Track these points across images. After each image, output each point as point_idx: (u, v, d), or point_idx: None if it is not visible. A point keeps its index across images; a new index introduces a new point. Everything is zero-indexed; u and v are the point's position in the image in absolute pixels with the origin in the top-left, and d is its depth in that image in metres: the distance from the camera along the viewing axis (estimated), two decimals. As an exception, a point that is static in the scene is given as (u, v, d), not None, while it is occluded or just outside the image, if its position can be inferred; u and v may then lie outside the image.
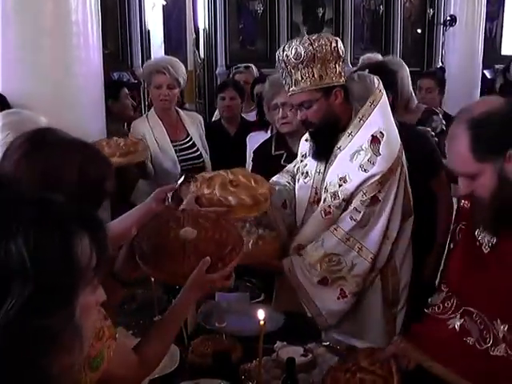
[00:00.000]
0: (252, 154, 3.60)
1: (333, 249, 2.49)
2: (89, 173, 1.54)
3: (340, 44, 2.50)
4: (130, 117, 4.65)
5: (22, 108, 2.63)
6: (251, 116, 4.62)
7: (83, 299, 0.98)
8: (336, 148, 2.55)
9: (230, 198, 2.27)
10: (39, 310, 0.91)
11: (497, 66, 10.51)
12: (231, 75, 5.46)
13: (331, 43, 2.45)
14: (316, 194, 2.65)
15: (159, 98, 3.85)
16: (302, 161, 2.75)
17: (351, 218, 2.49)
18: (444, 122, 4.09)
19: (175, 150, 3.84)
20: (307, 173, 2.68)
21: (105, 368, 1.47)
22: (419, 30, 10.65)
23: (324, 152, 2.61)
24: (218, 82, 8.94)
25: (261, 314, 1.83)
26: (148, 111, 4.19)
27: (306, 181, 2.69)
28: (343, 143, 2.53)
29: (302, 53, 2.41)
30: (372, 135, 2.48)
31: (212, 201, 2.20)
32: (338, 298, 2.51)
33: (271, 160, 3.25)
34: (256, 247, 2.51)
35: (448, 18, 8.92)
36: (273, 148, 3.36)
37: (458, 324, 2.00)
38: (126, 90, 4.72)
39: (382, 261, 2.57)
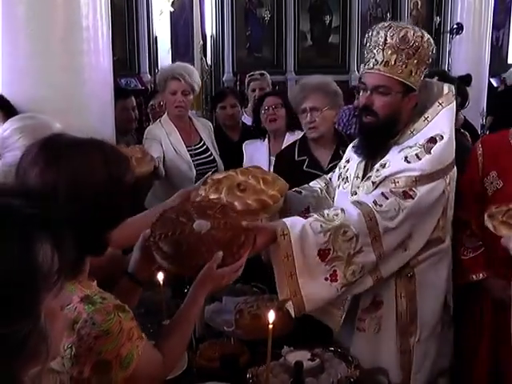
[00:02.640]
0: (274, 160, 3.62)
1: (352, 222, 2.20)
2: (113, 168, 1.55)
3: None
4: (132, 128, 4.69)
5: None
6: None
7: (47, 304, 0.97)
8: (392, 141, 2.41)
9: (236, 203, 2.25)
10: (3, 317, 0.90)
11: (503, 75, 10.52)
12: (246, 83, 5.46)
13: (433, 49, 2.38)
14: None
15: (174, 104, 3.88)
16: (345, 166, 2.62)
17: (375, 202, 2.27)
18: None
19: (190, 155, 3.88)
20: (347, 178, 2.55)
21: (134, 367, 1.50)
22: (426, 38, 10.67)
23: (366, 149, 2.48)
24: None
25: (271, 316, 1.83)
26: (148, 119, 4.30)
27: (345, 186, 2.56)
28: (402, 140, 2.39)
29: (411, 39, 2.29)
30: (431, 137, 2.33)
31: None
32: (326, 279, 2.20)
33: (294, 165, 3.25)
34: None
35: (455, 26, 8.92)
36: (296, 153, 3.35)
37: None
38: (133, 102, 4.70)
39: (388, 272, 2.34)
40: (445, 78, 3.59)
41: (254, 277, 3.00)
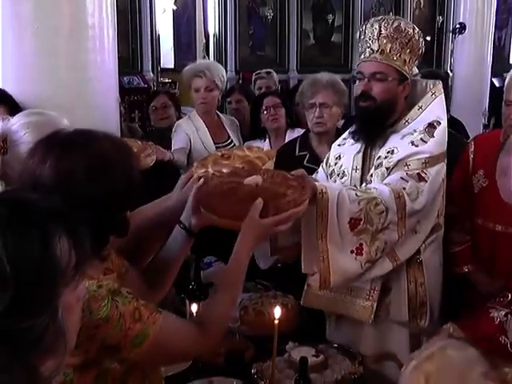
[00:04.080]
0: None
1: (384, 197, 2.25)
2: (123, 151, 1.58)
3: None
4: None
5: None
6: None
7: (65, 298, 0.98)
8: (389, 131, 2.49)
9: (225, 170, 2.21)
10: (21, 312, 0.91)
11: (505, 75, 10.50)
12: (252, 80, 5.50)
13: (423, 43, 2.50)
14: None
15: (198, 101, 4.02)
16: (336, 163, 2.67)
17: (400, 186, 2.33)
18: None
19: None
20: (343, 172, 2.59)
21: (151, 342, 1.47)
22: (428, 38, 10.63)
23: (364, 135, 2.55)
24: (228, 87, 9.01)
25: (277, 311, 1.85)
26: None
27: (343, 180, 2.59)
28: (398, 128, 2.49)
29: (403, 30, 2.42)
30: (429, 123, 2.44)
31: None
32: (352, 252, 2.23)
33: (294, 160, 3.29)
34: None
35: (457, 26, 8.90)
36: (297, 149, 3.43)
37: (499, 318, 2.02)
38: None
39: (405, 255, 2.39)
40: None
41: (257, 274, 3.03)
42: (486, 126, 7.10)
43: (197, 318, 1.70)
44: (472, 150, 2.88)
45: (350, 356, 2.37)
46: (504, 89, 2.86)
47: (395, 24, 2.42)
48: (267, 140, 4.00)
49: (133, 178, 1.58)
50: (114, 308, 1.44)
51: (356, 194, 2.22)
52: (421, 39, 2.49)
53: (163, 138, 4.06)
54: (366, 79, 2.46)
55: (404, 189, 2.29)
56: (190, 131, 3.95)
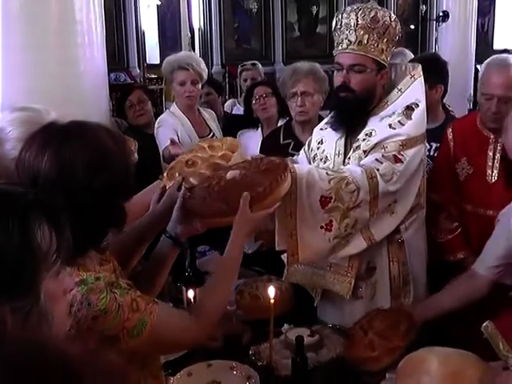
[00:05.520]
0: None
1: (355, 176, 2.29)
2: (119, 141, 1.60)
3: None
4: None
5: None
6: None
7: (48, 284, 1.01)
8: (369, 114, 2.53)
9: (191, 179, 2.21)
10: (5, 294, 0.94)
11: (488, 61, 10.58)
12: (238, 72, 5.53)
13: (400, 29, 2.53)
14: None
15: (184, 94, 3.86)
16: (318, 148, 2.70)
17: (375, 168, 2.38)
18: None
19: None
20: (326, 157, 2.62)
21: (148, 332, 1.49)
22: (412, 26, 10.74)
23: (344, 124, 2.58)
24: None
25: (271, 292, 1.89)
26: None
27: (325, 165, 2.61)
28: (377, 110, 2.52)
29: (380, 20, 2.43)
30: (407, 105, 2.47)
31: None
32: (322, 227, 2.28)
33: (279, 149, 3.31)
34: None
35: (441, 14, 8.95)
36: (281, 137, 3.47)
37: None
38: None
39: (380, 235, 2.43)
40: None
41: (251, 261, 3.08)
42: (471, 112, 7.16)
43: (191, 307, 1.73)
44: (451, 137, 2.91)
45: (344, 335, 2.42)
46: (479, 79, 2.86)
47: (372, 14, 2.43)
48: (259, 129, 4.03)
49: (129, 167, 1.60)
50: (112, 300, 1.46)
51: (327, 173, 2.28)
52: (398, 26, 2.51)
53: (143, 136, 3.88)
54: (345, 71, 2.48)
55: (378, 170, 2.33)
56: (175, 125, 3.87)
